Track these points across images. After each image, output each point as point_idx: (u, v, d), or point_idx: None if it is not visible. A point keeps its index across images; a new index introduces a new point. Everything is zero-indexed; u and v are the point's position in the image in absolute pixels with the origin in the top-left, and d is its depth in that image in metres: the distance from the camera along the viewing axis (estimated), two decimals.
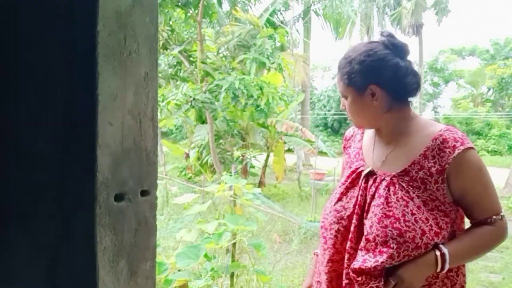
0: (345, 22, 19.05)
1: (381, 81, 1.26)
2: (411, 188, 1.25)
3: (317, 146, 11.03)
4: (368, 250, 1.25)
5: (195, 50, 9.16)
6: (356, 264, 1.26)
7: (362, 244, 1.27)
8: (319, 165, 12.02)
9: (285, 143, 11.35)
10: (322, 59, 44.96)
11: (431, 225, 1.23)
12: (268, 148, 11.38)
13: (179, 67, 9.67)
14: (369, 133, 1.43)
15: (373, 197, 1.29)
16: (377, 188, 1.29)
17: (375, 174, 1.32)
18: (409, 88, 1.30)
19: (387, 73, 1.26)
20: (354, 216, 1.30)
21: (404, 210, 1.22)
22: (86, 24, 0.67)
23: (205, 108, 8.28)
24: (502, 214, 1.28)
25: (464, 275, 1.34)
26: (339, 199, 1.37)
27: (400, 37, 1.69)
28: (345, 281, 1.30)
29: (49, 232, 0.72)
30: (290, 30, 14.48)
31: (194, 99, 7.95)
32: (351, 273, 1.27)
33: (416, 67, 1.70)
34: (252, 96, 8.16)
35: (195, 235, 3.25)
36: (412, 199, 1.24)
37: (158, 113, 0.81)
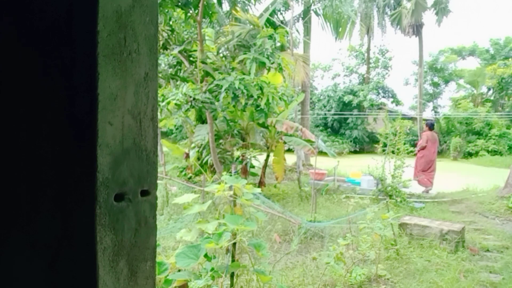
0: (345, 22, 19.07)
1: None
2: None
3: (317, 146, 11.02)
4: None
5: (195, 50, 9.14)
6: None
7: None
8: (319, 165, 12.02)
9: (285, 143, 11.34)
10: (322, 59, 44.91)
11: None
12: (268, 148, 11.37)
13: (179, 67, 9.64)
14: None
15: None
16: None
17: None
18: None
19: None
20: None
21: None
22: (86, 24, 0.67)
23: (205, 108, 8.27)
24: None
25: None
26: None
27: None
28: None
29: (49, 232, 0.71)
30: (290, 30, 14.47)
31: (194, 99, 7.94)
32: None
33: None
34: (252, 96, 8.15)
35: (195, 235, 3.25)
36: None
37: (158, 113, 0.81)
